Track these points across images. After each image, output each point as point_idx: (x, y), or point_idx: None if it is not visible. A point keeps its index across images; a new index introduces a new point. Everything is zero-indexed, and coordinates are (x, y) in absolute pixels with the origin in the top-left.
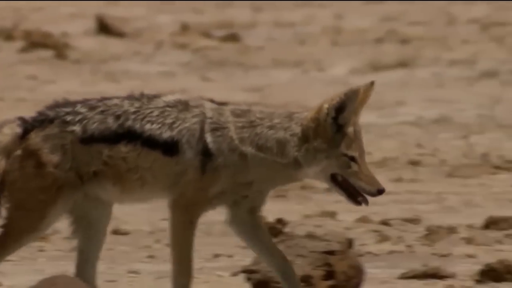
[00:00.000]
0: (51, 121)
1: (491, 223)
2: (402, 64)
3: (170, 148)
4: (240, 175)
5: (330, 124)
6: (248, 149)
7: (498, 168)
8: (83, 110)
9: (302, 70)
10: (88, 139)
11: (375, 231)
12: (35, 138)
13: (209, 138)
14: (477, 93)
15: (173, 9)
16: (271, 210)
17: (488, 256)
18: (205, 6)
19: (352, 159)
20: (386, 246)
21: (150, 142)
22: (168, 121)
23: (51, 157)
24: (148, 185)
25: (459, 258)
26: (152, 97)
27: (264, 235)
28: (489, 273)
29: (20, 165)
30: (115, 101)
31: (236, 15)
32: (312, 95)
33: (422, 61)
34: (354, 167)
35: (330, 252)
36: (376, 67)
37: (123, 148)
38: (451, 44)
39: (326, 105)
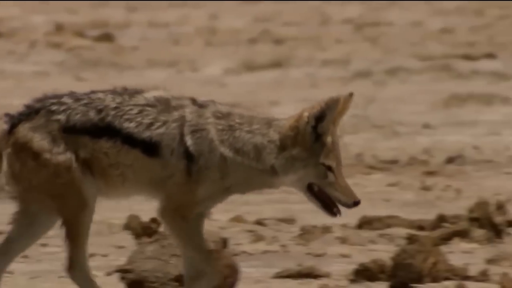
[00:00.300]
0: (37, 112)
1: (365, 223)
2: (276, 64)
3: (148, 148)
4: (223, 178)
5: (310, 132)
6: (227, 152)
7: (372, 168)
8: (68, 101)
9: (176, 70)
10: (71, 129)
11: (250, 230)
12: (23, 131)
13: (189, 141)
14: None
15: (47, 9)
16: (145, 210)
17: (362, 255)
18: (79, 6)
19: (329, 169)
20: (261, 246)
21: (130, 140)
22: (146, 121)
23: (42, 144)
24: (129, 182)
25: (334, 257)
26: (134, 93)
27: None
28: (363, 272)
29: (20, 162)
30: (100, 94)
31: (110, 15)
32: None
33: (296, 61)
34: (331, 177)
35: None
36: (250, 67)
37: (104, 144)
38: (324, 44)
39: (306, 114)
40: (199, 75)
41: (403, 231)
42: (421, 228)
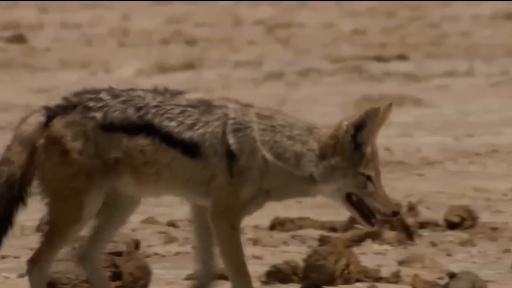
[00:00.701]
0: (74, 107)
1: (277, 224)
2: (189, 65)
3: (189, 148)
4: (263, 179)
5: (349, 141)
6: (268, 155)
7: None
8: (106, 97)
9: (89, 71)
10: (108, 127)
11: (162, 232)
12: (57, 125)
13: (231, 139)
14: (263, 94)
15: None
16: None
17: (274, 257)
18: None
19: (369, 178)
20: (173, 247)
21: (169, 139)
22: (188, 121)
23: (74, 144)
24: (163, 181)
25: (246, 259)
26: (175, 94)
27: (212, 241)
28: (275, 274)
29: (46, 154)
30: (139, 92)
31: (22, 16)
32: None
33: (208, 63)
34: (370, 187)
35: (117, 253)
36: (163, 69)
37: (141, 141)
38: (237, 46)
39: (345, 123)
40: (111, 76)
41: (315, 233)
42: (333, 229)
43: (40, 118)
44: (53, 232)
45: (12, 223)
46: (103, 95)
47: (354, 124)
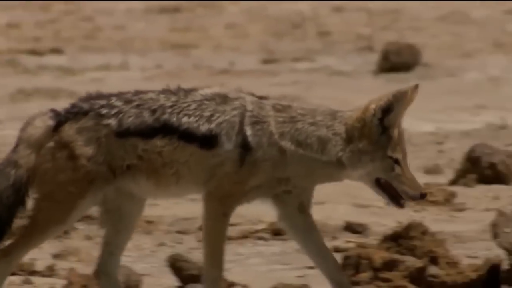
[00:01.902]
0: (85, 113)
1: None
2: None
3: (208, 141)
4: (278, 170)
5: (376, 125)
6: (288, 145)
7: None
8: (118, 103)
9: None
10: (124, 133)
11: None
12: (69, 130)
13: (249, 131)
14: None
15: None
16: None
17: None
18: None
19: (396, 161)
20: None
21: (187, 136)
22: (206, 113)
23: (85, 150)
24: (183, 180)
25: None
26: (189, 91)
27: (316, 236)
28: None
29: (52, 156)
30: (151, 95)
31: None
32: None
33: None
34: (398, 170)
35: None
36: None
37: (158, 142)
38: None
39: (373, 106)
40: None
41: None
42: None
43: (48, 121)
44: (33, 228)
45: (11, 226)
46: (115, 102)
47: (381, 107)
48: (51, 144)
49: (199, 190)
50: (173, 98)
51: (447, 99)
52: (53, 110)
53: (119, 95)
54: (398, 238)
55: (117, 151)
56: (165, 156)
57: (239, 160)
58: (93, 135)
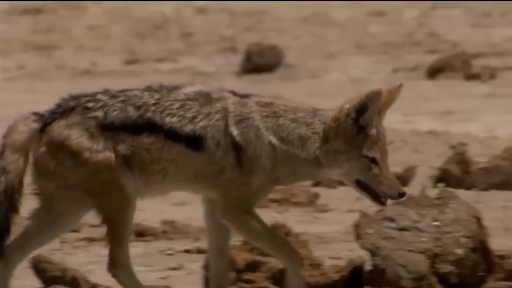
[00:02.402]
0: (71, 110)
1: None
2: None
3: (193, 142)
4: (273, 166)
5: (350, 125)
6: (274, 139)
7: None
8: (104, 98)
9: None
10: (110, 126)
11: None
12: (58, 129)
13: (235, 131)
14: None
15: None
16: None
17: None
18: None
19: (373, 161)
20: None
21: (172, 135)
22: (189, 114)
23: (81, 142)
24: (169, 177)
25: None
26: (172, 89)
27: (227, 236)
28: None
29: (55, 161)
30: (135, 92)
31: None
32: None
33: None
34: (375, 169)
35: None
36: None
37: (145, 140)
38: None
39: (347, 106)
40: None
41: None
42: None
43: (32, 124)
44: (112, 228)
45: (9, 233)
46: (100, 96)
47: (355, 107)
48: (43, 149)
49: (186, 188)
50: (156, 96)
51: (310, 100)
52: (35, 113)
53: (104, 92)
54: None
55: (109, 142)
56: (153, 153)
57: (237, 164)
58: (83, 128)
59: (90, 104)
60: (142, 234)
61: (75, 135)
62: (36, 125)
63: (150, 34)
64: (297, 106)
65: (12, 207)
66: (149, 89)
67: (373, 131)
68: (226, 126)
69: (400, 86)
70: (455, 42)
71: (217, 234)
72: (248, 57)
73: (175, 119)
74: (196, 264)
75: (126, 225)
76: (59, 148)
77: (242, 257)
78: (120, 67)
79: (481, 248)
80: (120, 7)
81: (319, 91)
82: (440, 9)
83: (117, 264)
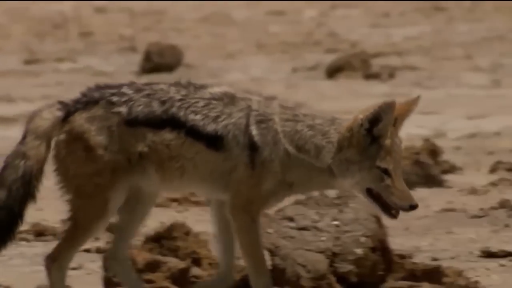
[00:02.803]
0: (96, 102)
1: None
2: None
3: (213, 141)
4: (285, 171)
5: (364, 135)
6: (289, 147)
7: None
8: (129, 91)
9: None
10: (133, 121)
11: None
12: (80, 120)
13: (254, 130)
14: None
15: None
16: None
17: None
18: None
19: (385, 172)
20: None
21: (194, 133)
22: (213, 114)
23: (99, 139)
24: (187, 175)
25: None
26: (199, 87)
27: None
28: None
29: (68, 150)
30: (162, 86)
31: None
32: None
33: None
34: (387, 180)
35: None
36: None
37: (167, 135)
38: None
39: (360, 116)
40: None
41: None
42: None
43: (57, 112)
44: (75, 228)
45: (23, 219)
46: (125, 90)
47: (368, 118)
48: (62, 136)
49: (201, 187)
50: (183, 92)
51: None
52: (60, 102)
53: (130, 84)
54: (161, 239)
55: (129, 139)
56: (173, 150)
57: (250, 163)
58: (105, 124)
59: (114, 98)
60: (41, 233)
61: (94, 130)
62: (60, 113)
63: (49, 33)
64: (317, 114)
65: (29, 194)
66: (176, 84)
67: (387, 142)
68: (247, 124)
69: (417, 98)
70: (354, 42)
71: (224, 235)
72: (147, 57)
73: (198, 117)
74: (95, 264)
75: (90, 235)
76: (77, 139)
77: (142, 257)
78: (19, 67)
79: (380, 248)
80: (19, 7)
81: None
82: (339, 9)
83: (57, 260)
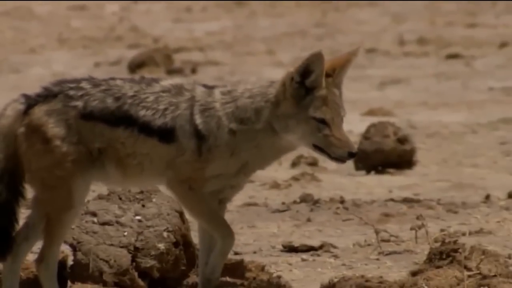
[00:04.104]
0: (54, 96)
1: None
2: None
3: (165, 135)
4: (233, 154)
5: (296, 88)
6: (233, 125)
7: None
8: (87, 86)
9: None
10: (89, 116)
11: None
12: (38, 113)
13: (198, 119)
14: None
15: None
16: None
17: None
18: None
19: (322, 121)
20: None
21: (146, 129)
22: (161, 107)
23: (56, 131)
24: (147, 171)
25: None
26: (151, 81)
27: None
28: None
29: (28, 143)
30: (117, 81)
31: None
32: None
33: None
34: (325, 130)
35: None
36: None
37: (121, 133)
38: None
39: (291, 70)
40: None
41: None
42: None
43: (19, 106)
44: (49, 224)
45: (17, 220)
46: (83, 84)
47: (298, 70)
48: (22, 129)
49: (161, 180)
50: (136, 88)
51: (12, 95)
52: (24, 95)
53: (89, 79)
54: None
55: (87, 134)
56: (128, 147)
57: (197, 150)
58: (62, 117)
59: (72, 92)
60: None
61: (52, 122)
62: (22, 107)
63: None
64: (257, 83)
65: (14, 193)
66: (131, 80)
67: (321, 92)
68: (192, 114)
69: (357, 49)
70: (157, 37)
71: (207, 233)
72: None
73: (148, 112)
74: None
75: (62, 227)
76: (35, 132)
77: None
78: None
79: (183, 242)
80: None
81: (20, 86)
82: (141, 3)
83: (43, 260)
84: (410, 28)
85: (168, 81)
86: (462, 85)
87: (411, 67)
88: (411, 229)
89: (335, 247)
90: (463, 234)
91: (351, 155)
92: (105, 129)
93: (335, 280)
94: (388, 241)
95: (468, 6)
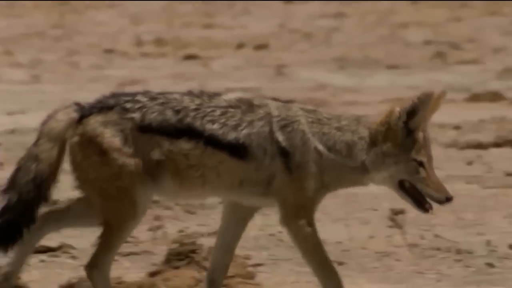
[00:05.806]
0: (110, 108)
1: None
2: None
3: (236, 150)
4: (321, 171)
5: (401, 128)
6: (320, 147)
7: None
8: (143, 99)
9: None
10: (147, 128)
11: None
12: (94, 123)
13: (280, 136)
14: None
15: None
16: None
17: None
18: None
19: (421, 164)
20: None
21: (214, 142)
22: (232, 122)
23: (112, 142)
24: (210, 184)
25: None
26: (213, 95)
27: (240, 233)
28: None
29: (83, 154)
30: (175, 95)
31: None
32: None
33: None
34: (422, 173)
35: None
36: None
37: (184, 145)
38: None
39: (398, 109)
40: None
41: None
42: None
43: (72, 114)
44: (109, 233)
45: (34, 221)
46: (139, 97)
47: (406, 110)
48: (76, 139)
49: (228, 194)
50: (197, 101)
51: None
52: (77, 104)
53: (144, 92)
54: None
55: (144, 145)
56: (191, 159)
57: (286, 169)
58: (119, 128)
59: (128, 105)
60: None
61: (108, 133)
62: (75, 115)
63: None
64: (341, 115)
65: (40, 196)
66: (189, 93)
67: (420, 135)
68: (271, 132)
69: (444, 92)
70: None
71: (229, 232)
72: None
73: (216, 126)
74: None
75: (123, 235)
76: (90, 142)
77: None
78: None
79: None
80: None
81: None
82: None
83: (97, 266)
84: (147, 29)
85: (230, 95)
86: (200, 86)
87: (149, 68)
88: (149, 230)
89: (73, 248)
90: (201, 235)
91: (448, 199)
92: (164, 141)
93: (74, 281)
94: (126, 242)
95: (205, 7)
